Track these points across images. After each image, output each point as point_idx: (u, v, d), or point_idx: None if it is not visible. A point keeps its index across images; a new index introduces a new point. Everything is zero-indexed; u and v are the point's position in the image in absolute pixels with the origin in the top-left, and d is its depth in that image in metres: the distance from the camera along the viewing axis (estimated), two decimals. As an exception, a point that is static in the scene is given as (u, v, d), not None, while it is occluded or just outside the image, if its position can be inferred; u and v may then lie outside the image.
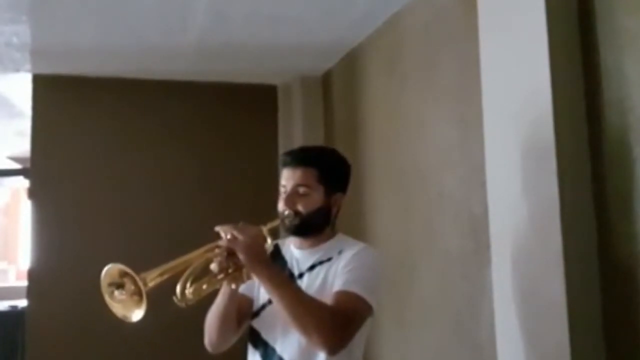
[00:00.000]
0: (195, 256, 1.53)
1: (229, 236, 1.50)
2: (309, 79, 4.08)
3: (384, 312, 3.06)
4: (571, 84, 1.72)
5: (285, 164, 1.69)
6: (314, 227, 1.69)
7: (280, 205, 1.68)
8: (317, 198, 1.66)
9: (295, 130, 4.13)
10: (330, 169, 1.70)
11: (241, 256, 1.47)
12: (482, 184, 2.02)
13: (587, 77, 1.73)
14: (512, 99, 1.86)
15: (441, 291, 2.55)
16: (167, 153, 4.06)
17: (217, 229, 1.52)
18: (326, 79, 4.05)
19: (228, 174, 4.11)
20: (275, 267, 1.58)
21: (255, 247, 1.50)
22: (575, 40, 1.74)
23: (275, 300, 1.51)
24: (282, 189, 1.69)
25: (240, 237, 1.48)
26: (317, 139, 4.00)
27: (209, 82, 4.13)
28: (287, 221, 1.65)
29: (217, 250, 1.51)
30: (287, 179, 1.67)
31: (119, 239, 3.92)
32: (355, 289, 1.55)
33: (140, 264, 4.19)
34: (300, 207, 1.64)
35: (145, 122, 4.06)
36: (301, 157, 1.68)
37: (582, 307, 1.63)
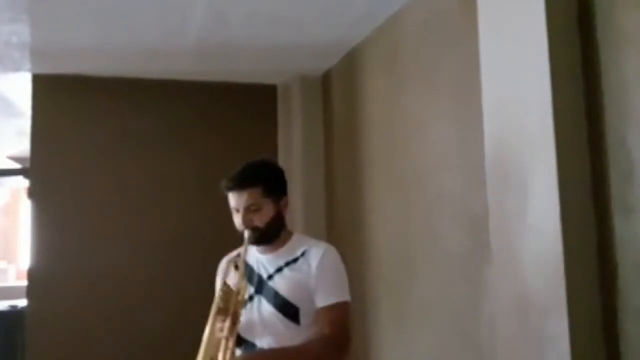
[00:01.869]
0: None
1: None
2: (308, 79, 4.08)
3: (384, 312, 3.06)
4: (571, 83, 1.72)
5: (231, 189, 1.85)
6: (273, 234, 1.89)
7: (238, 224, 1.86)
8: (269, 210, 1.86)
9: (295, 130, 4.13)
10: (272, 181, 1.89)
11: None
12: (482, 184, 2.02)
13: (587, 77, 1.73)
14: (512, 99, 1.86)
15: (441, 291, 2.55)
16: (166, 153, 4.06)
17: None
18: (326, 79, 4.05)
19: (228, 174, 4.11)
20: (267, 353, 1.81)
21: None
22: (575, 40, 1.74)
23: None
24: (233, 211, 1.87)
25: None
26: (316, 139, 4.01)
27: (209, 82, 4.13)
28: (250, 238, 1.84)
29: None
30: (237, 202, 1.84)
31: (119, 239, 3.92)
32: (336, 298, 1.82)
33: (140, 263, 4.19)
34: (257, 223, 1.84)
35: (145, 122, 4.06)
36: (244, 181, 1.84)
37: (582, 307, 1.63)
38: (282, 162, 4.20)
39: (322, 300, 1.82)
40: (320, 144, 4.02)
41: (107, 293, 3.82)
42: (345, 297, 1.84)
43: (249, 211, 1.83)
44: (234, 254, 1.97)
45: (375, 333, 3.16)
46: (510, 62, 1.87)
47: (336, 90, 3.89)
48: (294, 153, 4.11)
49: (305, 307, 1.82)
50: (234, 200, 1.85)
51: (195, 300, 3.84)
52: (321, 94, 4.09)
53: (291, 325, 1.81)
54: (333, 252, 1.90)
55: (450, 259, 2.47)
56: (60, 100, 3.95)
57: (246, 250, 1.85)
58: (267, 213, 1.84)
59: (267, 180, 1.87)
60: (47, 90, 3.91)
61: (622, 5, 1.64)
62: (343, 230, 3.68)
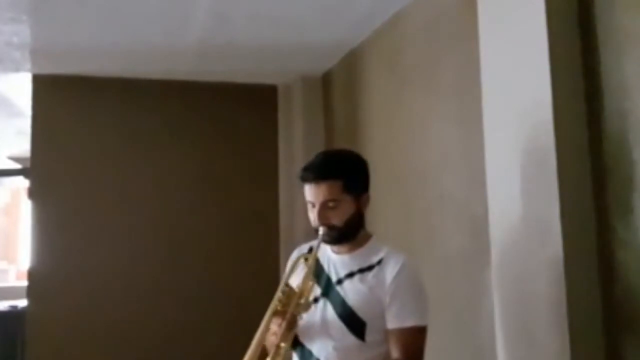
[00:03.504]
0: None
1: None
2: (309, 79, 4.08)
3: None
4: (571, 84, 1.72)
5: (307, 180, 1.66)
6: (350, 234, 1.69)
7: (312, 220, 1.68)
8: (347, 207, 1.66)
9: (296, 130, 4.13)
10: (353, 175, 1.69)
11: None
12: (482, 185, 2.02)
13: (587, 78, 1.73)
14: (512, 99, 1.86)
15: (442, 292, 2.54)
16: (167, 153, 4.07)
17: None
18: (326, 79, 4.05)
19: (228, 174, 4.12)
20: None
21: None
22: (576, 41, 1.74)
23: None
24: (309, 204, 1.68)
25: None
26: (317, 139, 4.00)
27: (209, 82, 4.13)
28: (324, 236, 1.65)
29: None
30: (313, 195, 1.65)
31: (119, 239, 3.92)
32: (413, 321, 1.61)
33: (140, 263, 4.21)
34: (334, 221, 1.64)
35: (146, 122, 4.07)
36: (322, 172, 1.64)
37: (582, 307, 1.63)
38: (282, 163, 4.20)
39: (396, 321, 1.61)
40: (320, 145, 4.02)
41: (107, 293, 3.82)
42: (424, 320, 1.64)
43: (326, 207, 1.63)
44: (307, 245, 1.80)
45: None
46: (510, 62, 1.87)
47: (337, 90, 3.89)
48: (294, 153, 4.11)
49: (373, 323, 1.61)
50: (309, 192, 1.65)
51: (197, 302, 3.87)
52: (322, 94, 4.09)
53: (355, 340, 1.61)
54: (411, 265, 1.68)
55: (451, 259, 2.47)
56: (60, 100, 3.95)
57: (317, 249, 1.66)
58: (345, 210, 1.64)
59: (348, 173, 1.66)
60: (47, 90, 3.91)
61: (622, 5, 1.64)
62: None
